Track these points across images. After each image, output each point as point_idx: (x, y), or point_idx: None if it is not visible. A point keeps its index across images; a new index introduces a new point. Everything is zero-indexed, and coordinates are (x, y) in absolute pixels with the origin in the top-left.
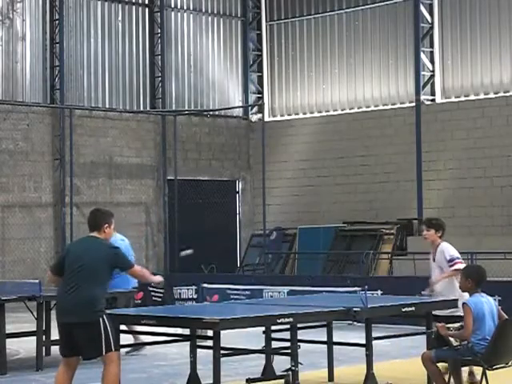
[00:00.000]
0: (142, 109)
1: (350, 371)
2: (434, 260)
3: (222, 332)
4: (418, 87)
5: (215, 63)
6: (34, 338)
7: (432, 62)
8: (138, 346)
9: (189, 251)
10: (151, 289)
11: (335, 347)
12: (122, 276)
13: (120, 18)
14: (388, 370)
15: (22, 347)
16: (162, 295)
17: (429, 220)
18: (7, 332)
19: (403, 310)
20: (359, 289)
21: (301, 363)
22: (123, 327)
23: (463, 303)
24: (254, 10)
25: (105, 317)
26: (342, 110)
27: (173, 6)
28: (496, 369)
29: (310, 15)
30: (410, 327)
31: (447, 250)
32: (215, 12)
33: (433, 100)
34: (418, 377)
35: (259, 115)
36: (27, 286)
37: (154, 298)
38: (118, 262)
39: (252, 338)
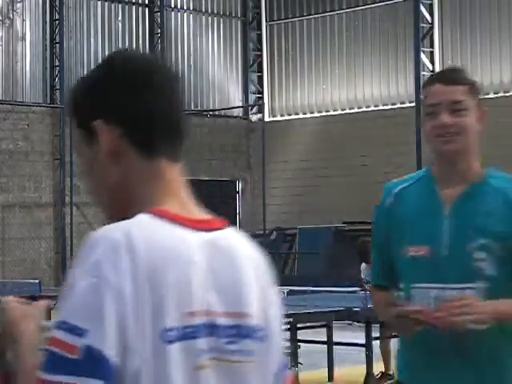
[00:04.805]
0: None
1: (350, 371)
2: None
3: None
4: (417, 87)
5: (215, 63)
6: None
7: (432, 62)
8: None
9: None
10: None
11: (335, 347)
12: None
13: (120, 18)
14: None
15: None
16: None
17: None
18: None
19: None
20: (359, 289)
21: (301, 363)
22: None
23: None
24: (254, 10)
25: None
26: (342, 110)
27: (173, 5)
28: None
29: (310, 15)
30: None
31: None
32: (215, 12)
33: None
34: None
35: (259, 115)
36: (27, 286)
37: None
38: None
39: None
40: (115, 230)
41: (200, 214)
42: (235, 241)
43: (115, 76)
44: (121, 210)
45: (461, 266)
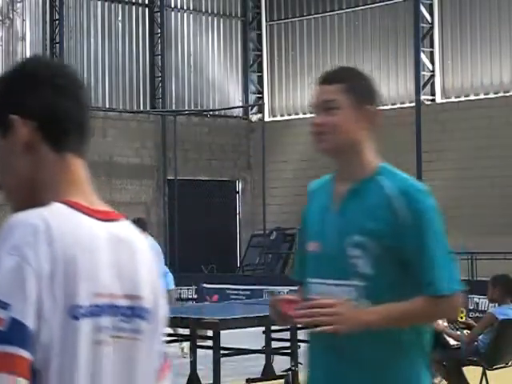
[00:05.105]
0: (142, 109)
1: None
2: None
3: (222, 332)
4: (417, 87)
5: (215, 63)
6: None
7: (432, 62)
8: None
9: None
10: None
11: None
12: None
13: (120, 18)
14: None
15: None
16: None
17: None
18: None
19: None
20: None
21: (301, 363)
22: None
23: (488, 312)
24: (254, 10)
25: None
26: None
27: (173, 5)
28: (496, 369)
29: (310, 15)
30: None
31: None
32: (215, 12)
33: (433, 100)
34: None
35: (259, 115)
36: None
37: None
38: None
39: (252, 337)
40: (34, 216)
41: (101, 205)
42: (131, 232)
43: (30, 77)
44: (30, 201)
45: (338, 263)
